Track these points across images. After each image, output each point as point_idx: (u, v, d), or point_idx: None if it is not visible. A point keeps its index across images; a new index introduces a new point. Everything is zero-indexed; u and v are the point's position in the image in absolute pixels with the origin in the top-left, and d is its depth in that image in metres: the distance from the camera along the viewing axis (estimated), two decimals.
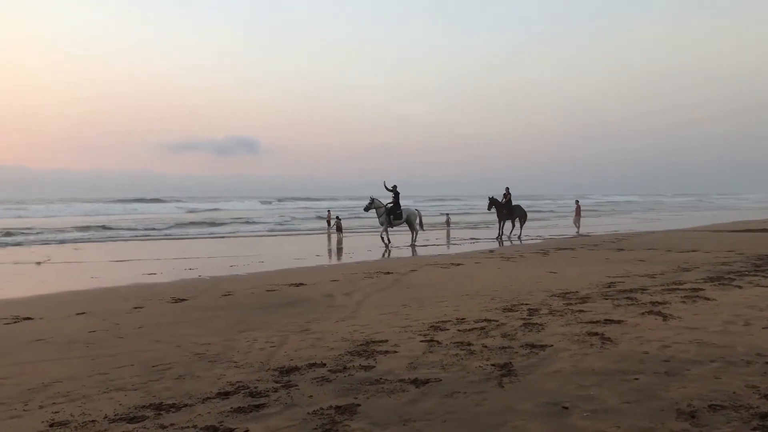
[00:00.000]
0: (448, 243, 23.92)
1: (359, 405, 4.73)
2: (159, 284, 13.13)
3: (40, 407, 4.90)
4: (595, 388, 4.93)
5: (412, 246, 22.30)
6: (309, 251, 20.65)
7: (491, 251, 19.11)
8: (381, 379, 5.41)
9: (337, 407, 4.68)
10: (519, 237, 25.83)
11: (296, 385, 5.30)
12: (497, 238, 25.27)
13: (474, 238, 25.83)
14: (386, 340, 6.93)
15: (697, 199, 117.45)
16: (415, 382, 5.28)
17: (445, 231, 30.85)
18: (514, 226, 27.13)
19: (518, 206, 27.54)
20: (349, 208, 61.73)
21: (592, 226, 33.88)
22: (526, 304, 9.00)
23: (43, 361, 6.50)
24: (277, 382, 5.43)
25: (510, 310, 8.64)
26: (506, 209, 26.67)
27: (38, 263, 16.81)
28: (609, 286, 10.60)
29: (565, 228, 32.34)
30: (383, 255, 19.32)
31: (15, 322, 8.78)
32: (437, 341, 6.82)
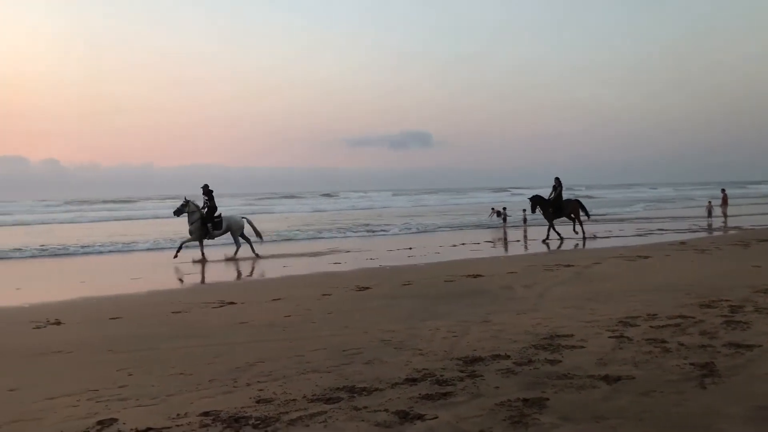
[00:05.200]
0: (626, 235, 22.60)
1: (547, 399, 4.64)
2: (343, 273, 13.81)
3: (247, 384, 5.36)
4: None
5: (234, 258, 17.92)
6: (483, 244, 20.57)
7: (682, 243, 17.77)
8: (569, 374, 5.26)
9: (525, 400, 4.62)
10: (582, 235, 21.09)
11: (481, 376, 5.31)
12: (544, 240, 20.40)
13: (662, 230, 24.16)
14: (571, 335, 6.72)
15: None
16: (606, 379, 5.07)
17: (631, 223, 29.04)
18: (575, 223, 21.86)
19: (571, 200, 22.45)
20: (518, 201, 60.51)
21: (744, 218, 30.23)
22: (727, 301, 8.27)
23: (247, 342, 7.10)
24: (462, 371, 5.48)
25: (708, 306, 7.99)
26: (554, 207, 21.43)
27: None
28: None
29: (699, 220, 28.57)
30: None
31: (221, 306, 9.68)
32: (627, 337, 6.49)
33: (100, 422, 4.51)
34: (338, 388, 5.11)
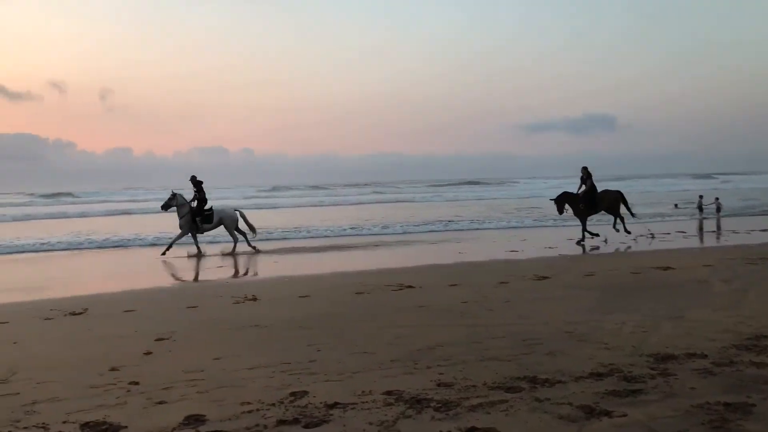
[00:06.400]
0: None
1: (754, 405, 4.21)
2: (521, 261, 13.57)
3: (428, 367, 5.45)
4: None
5: (233, 254, 17.09)
6: (674, 234, 19.13)
7: None
8: None
9: (726, 404, 4.24)
10: (624, 230, 18.15)
11: (674, 374, 4.95)
12: (579, 242, 17.22)
13: None
14: None
15: None
16: None
17: None
18: (616, 218, 18.48)
19: (610, 191, 18.85)
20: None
21: None
22: None
23: (425, 326, 7.23)
24: (652, 368, 5.14)
25: None
26: (584, 201, 17.98)
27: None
28: None
29: None
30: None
31: (400, 289, 9.94)
32: None
33: (293, 393, 4.82)
34: (519, 378, 5.03)
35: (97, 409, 4.63)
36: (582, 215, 17.90)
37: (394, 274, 11.67)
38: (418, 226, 23.51)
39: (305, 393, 4.83)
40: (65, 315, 8.67)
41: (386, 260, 15.00)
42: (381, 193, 60.11)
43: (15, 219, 33.83)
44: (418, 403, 4.51)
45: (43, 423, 4.37)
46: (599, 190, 18.44)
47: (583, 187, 18.16)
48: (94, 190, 71.54)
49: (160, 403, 4.73)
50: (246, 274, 13.83)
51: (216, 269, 14.16)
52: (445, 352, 5.93)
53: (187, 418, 4.36)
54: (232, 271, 13.63)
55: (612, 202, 18.39)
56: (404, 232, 21.77)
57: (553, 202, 18.31)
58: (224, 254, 16.99)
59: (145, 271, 14.47)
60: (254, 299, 9.39)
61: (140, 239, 20.28)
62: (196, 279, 13.18)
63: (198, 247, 17.30)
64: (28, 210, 41.87)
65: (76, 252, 18.41)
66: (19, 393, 5.10)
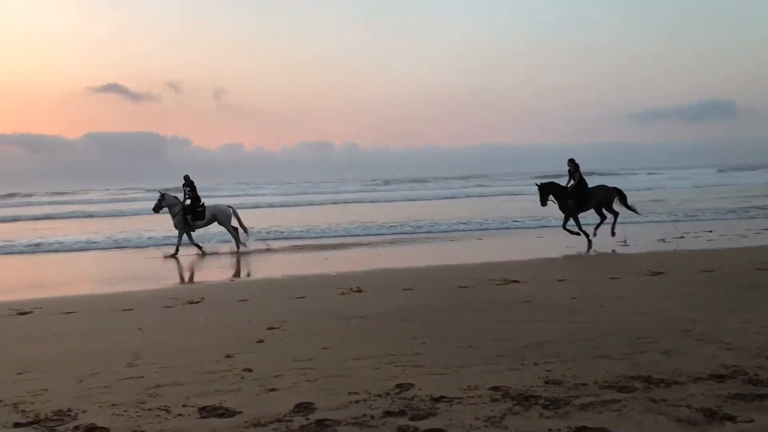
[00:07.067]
0: None
1: None
2: (631, 255, 13.04)
3: (535, 364, 5.33)
4: None
5: (237, 253, 16.71)
6: None
7: None
8: None
9: None
10: (612, 230, 15.63)
11: None
12: (586, 236, 15.35)
13: None
14: None
15: None
16: None
17: None
18: (603, 217, 16.04)
19: (605, 187, 16.35)
20: None
21: None
22: None
23: (532, 322, 7.08)
24: None
25: None
26: (574, 197, 15.59)
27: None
28: None
29: None
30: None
31: (505, 283, 9.79)
32: None
33: (398, 385, 4.86)
34: (632, 377, 4.82)
35: (213, 394, 4.86)
36: (570, 212, 15.73)
37: (498, 268, 11.51)
38: (521, 221, 22.94)
39: (411, 385, 4.85)
40: (183, 303, 9.17)
41: (490, 253, 14.80)
42: (485, 186, 59.24)
43: (136, 213, 35.89)
44: (525, 400, 4.43)
45: (165, 405, 4.63)
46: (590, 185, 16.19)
47: (572, 182, 15.88)
48: (206, 185, 75.04)
49: (272, 390, 4.90)
50: (350, 267, 14.10)
51: (323, 261, 14.51)
52: (552, 349, 5.78)
53: (298, 405, 4.49)
54: (337, 264, 13.90)
55: (606, 198, 15.97)
56: (506, 228, 21.14)
57: (537, 188, 16.00)
58: (233, 252, 16.96)
59: (255, 263, 15.04)
60: (359, 291, 9.54)
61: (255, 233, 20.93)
62: (302, 271, 13.57)
63: (198, 246, 17.26)
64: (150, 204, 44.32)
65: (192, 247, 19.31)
66: (143, 376, 5.44)
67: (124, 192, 64.18)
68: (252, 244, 17.37)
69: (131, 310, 8.85)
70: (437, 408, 4.34)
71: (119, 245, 18.82)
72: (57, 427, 4.29)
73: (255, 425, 4.18)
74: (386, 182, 72.16)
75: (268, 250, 16.96)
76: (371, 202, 40.02)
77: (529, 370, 5.15)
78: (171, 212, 17.30)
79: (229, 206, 17.94)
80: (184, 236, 17.17)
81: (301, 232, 20.74)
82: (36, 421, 4.40)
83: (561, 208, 15.76)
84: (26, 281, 13.48)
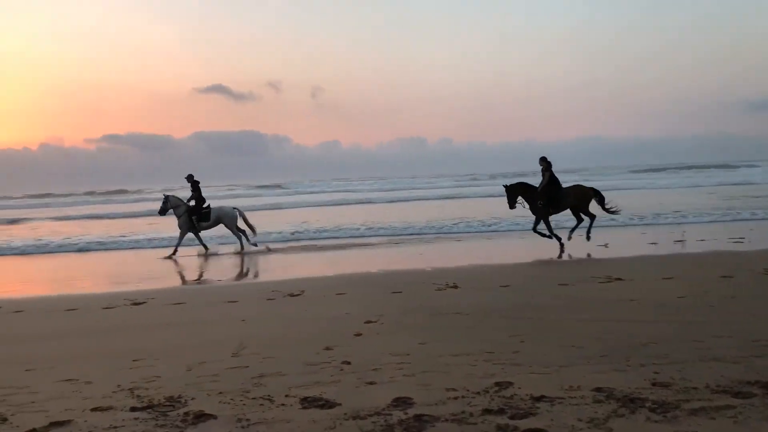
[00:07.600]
0: None
1: None
2: (746, 252, 12.28)
3: (641, 365, 5.11)
4: None
5: (240, 253, 16.63)
6: None
7: None
8: None
9: None
10: (587, 233, 14.58)
11: None
12: (558, 239, 14.42)
13: None
14: None
15: None
16: None
17: None
18: (579, 219, 14.87)
19: (578, 186, 15.30)
20: None
21: None
22: None
23: (637, 321, 6.80)
24: None
25: None
26: (546, 199, 14.45)
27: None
28: None
29: None
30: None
31: (608, 281, 9.46)
32: None
33: (497, 383, 4.80)
34: (749, 382, 4.53)
35: (314, 385, 4.98)
36: (541, 214, 14.63)
37: (600, 265, 11.15)
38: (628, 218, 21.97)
39: (510, 384, 4.77)
40: (284, 296, 9.45)
41: (592, 250, 14.33)
42: (588, 180, 56.90)
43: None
44: (631, 402, 4.26)
45: (268, 395, 4.79)
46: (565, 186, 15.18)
47: (542, 182, 14.84)
48: (304, 182, 77.06)
49: (371, 383, 4.97)
50: (445, 262, 14.05)
51: (417, 256, 14.55)
52: (659, 350, 5.54)
53: (396, 400, 4.52)
54: (432, 259, 13.87)
55: (581, 199, 14.90)
56: (606, 225, 20.33)
57: (504, 189, 15.06)
58: (237, 253, 17.00)
59: (354, 257, 15.28)
60: (455, 287, 9.50)
61: (354, 229, 21.22)
62: (398, 266, 13.66)
63: (204, 246, 17.51)
64: (254, 201, 45.95)
65: (291, 242, 19.85)
66: (248, 366, 5.65)
67: (232, 188, 67.07)
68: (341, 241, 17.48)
69: (235, 302, 9.21)
70: (537, 408, 4.25)
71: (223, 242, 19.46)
72: (169, 413, 4.53)
73: (354, 417, 4.25)
74: (491, 176, 71.22)
75: (268, 250, 17.00)
76: (465, 197, 39.58)
77: (635, 371, 4.96)
78: (176, 213, 17.54)
79: (234, 208, 18.13)
80: (187, 236, 17.39)
81: (396, 228, 20.83)
82: (150, 406, 4.67)
83: (532, 209, 14.78)
84: (140, 273, 14.30)
